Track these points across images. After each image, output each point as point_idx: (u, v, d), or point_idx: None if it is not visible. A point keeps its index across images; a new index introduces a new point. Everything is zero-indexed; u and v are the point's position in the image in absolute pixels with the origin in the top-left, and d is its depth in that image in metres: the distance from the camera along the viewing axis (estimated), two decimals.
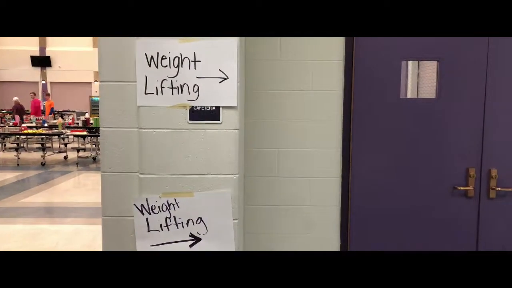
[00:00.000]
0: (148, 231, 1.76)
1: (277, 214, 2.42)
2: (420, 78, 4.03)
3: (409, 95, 4.14)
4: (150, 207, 1.74)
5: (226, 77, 1.67)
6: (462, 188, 2.35)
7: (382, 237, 2.43)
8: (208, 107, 1.68)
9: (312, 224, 2.42)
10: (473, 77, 2.32)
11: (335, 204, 2.41)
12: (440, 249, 2.41)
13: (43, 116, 13.77)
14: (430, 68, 2.48)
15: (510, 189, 2.34)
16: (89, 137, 10.61)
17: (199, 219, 1.74)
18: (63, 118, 13.39)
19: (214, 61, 1.66)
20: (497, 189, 2.34)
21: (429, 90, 2.50)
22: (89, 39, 19.63)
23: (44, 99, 16.23)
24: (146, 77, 1.69)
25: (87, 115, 13.62)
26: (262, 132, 2.38)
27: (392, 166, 2.39)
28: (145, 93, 1.69)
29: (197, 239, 1.74)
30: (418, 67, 4.04)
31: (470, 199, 2.38)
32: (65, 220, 5.52)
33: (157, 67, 1.68)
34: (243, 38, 2.06)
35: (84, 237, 4.79)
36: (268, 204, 2.42)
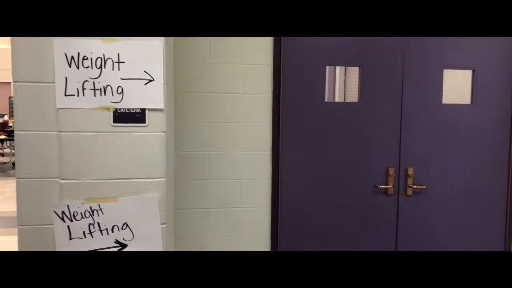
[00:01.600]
0: (70, 239, 1.67)
1: (209, 217, 2.41)
2: (347, 83, 4.24)
3: (337, 99, 4.34)
4: (71, 214, 1.66)
5: (152, 79, 1.64)
6: (382, 186, 2.51)
7: (311, 236, 2.51)
8: (133, 109, 1.64)
9: (243, 226, 2.44)
10: (391, 80, 2.49)
11: (266, 205, 2.46)
12: (364, 246, 2.55)
13: None
14: (355, 74, 2.62)
15: (424, 187, 2.53)
16: (8, 141, 9.83)
17: (125, 225, 1.68)
18: None
19: (139, 62, 1.62)
20: (413, 186, 2.52)
21: (355, 94, 2.64)
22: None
23: None
24: (66, 78, 1.60)
25: (5, 118, 12.58)
26: (193, 135, 2.36)
27: (319, 166, 2.48)
28: (65, 95, 1.61)
29: (123, 245, 1.69)
30: (345, 73, 4.25)
31: (390, 197, 2.54)
32: None
33: (78, 67, 1.60)
34: (171, 39, 2.04)
35: (3, 249, 4.43)
36: (200, 208, 2.41)
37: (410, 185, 2.53)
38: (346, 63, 2.49)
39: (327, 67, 2.45)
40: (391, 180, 2.51)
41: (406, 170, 2.53)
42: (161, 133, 1.68)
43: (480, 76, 2.54)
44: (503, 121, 2.57)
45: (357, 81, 2.52)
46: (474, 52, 2.52)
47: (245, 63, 2.36)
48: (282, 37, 2.38)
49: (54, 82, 1.62)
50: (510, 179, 2.59)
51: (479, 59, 2.52)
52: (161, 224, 1.72)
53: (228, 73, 2.36)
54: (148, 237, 1.70)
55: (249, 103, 2.39)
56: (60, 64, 1.60)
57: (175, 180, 2.35)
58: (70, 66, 1.60)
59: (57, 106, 1.62)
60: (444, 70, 2.51)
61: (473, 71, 2.54)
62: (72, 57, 1.60)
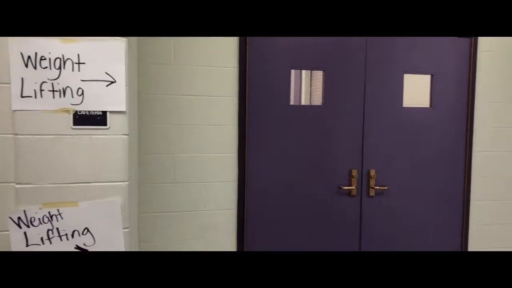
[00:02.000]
0: (27, 245, 1.61)
1: (174, 221, 2.39)
2: (312, 87, 4.30)
3: (303, 102, 4.39)
4: (28, 220, 1.60)
5: (114, 81, 1.60)
6: (346, 187, 2.56)
7: (277, 237, 2.53)
8: (94, 111, 1.60)
9: (209, 228, 2.43)
10: (354, 84, 2.54)
11: (232, 207, 2.46)
12: (329, 246, 2.59)
13: None
14: (321, 77, 2.66)
15: (386, 188, 2.60)
16: None
17: (86, 230, 1.64)
18: None
19: (100, 64, 1.59)
20: (376, 187, 2.59)
21: (320, 97, 2.68)
22: None
23: None
24: (22, 78, 1.54)
25: None
26: (157, 138, 2.33)
27: (284, 168, 2.50)
28: (22, 96, 1.55)
29: (84, 251, 1.64)
30: (311, 76, 4.31)
31: (353, 198, 2.59)
32: None
33: (35, 68, 1.55)
34: (133, 40, 2.01)
35: None
36: (165, 211, 2.38)
37: (372, 186, 2.59)
38: (310, 67, 2.53)
39: (292, 70, 2.48)
40: (354, 181, 2.57)
41: (369, 172, 2.59)
42: (123, 136, 1.65)
43: (438, 81, 2.64)
44: (460, 124, 2.68)
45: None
46: (432, 57, 2.62)
47: (210, 65, 2.36)
48: (248, 40, 2.40)
49: (9, 83, 1.56)
50: (466, 178, 2.70)
51: (437, 65, 2.62)
52: (124, 228, 1.68)
53: (193, 75, 2.34)
54: (110, 241, 1.66)
55: (215, 105, 2.39)
56: (16, 64, 1.54)
57: (140, 183, 2.31)
58: (26, 66, 1.55)
59: (13, 108, 1.56)
60: (405, 75, 2.60)
61: (432, 75, 2.64)
62: (29, 57, 1.54)
